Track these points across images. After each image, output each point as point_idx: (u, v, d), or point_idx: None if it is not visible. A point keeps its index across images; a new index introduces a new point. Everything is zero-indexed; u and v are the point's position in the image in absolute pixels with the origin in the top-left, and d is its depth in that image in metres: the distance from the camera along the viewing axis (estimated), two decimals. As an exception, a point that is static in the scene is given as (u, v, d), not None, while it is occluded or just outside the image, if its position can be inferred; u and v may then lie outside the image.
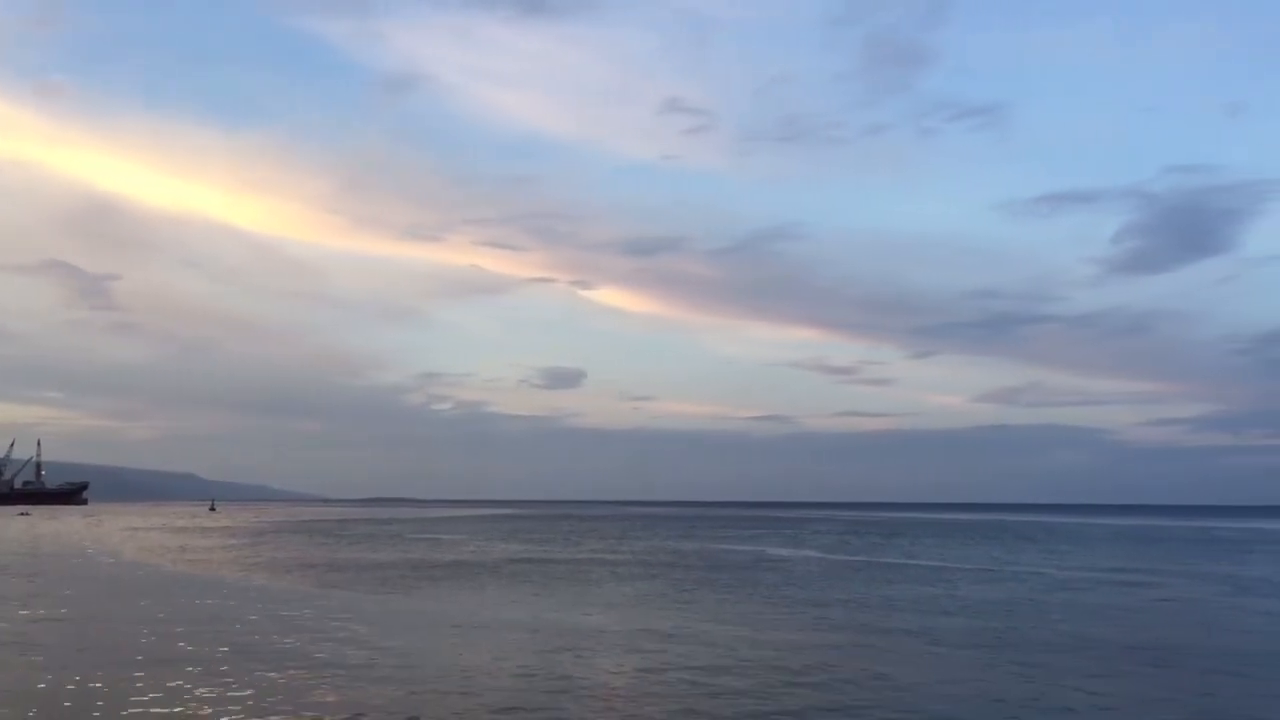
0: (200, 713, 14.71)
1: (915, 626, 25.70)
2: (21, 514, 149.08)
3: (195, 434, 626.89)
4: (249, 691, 16.10)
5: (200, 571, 42.41)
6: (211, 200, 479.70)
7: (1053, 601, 32.55)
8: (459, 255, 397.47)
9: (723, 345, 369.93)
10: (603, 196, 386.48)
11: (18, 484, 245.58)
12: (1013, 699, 16.50)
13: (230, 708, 14.99)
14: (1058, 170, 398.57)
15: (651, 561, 51.91)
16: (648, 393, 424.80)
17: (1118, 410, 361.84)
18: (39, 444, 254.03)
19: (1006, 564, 51.95)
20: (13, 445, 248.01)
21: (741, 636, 23.41)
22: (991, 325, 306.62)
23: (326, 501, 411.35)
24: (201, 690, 16.17)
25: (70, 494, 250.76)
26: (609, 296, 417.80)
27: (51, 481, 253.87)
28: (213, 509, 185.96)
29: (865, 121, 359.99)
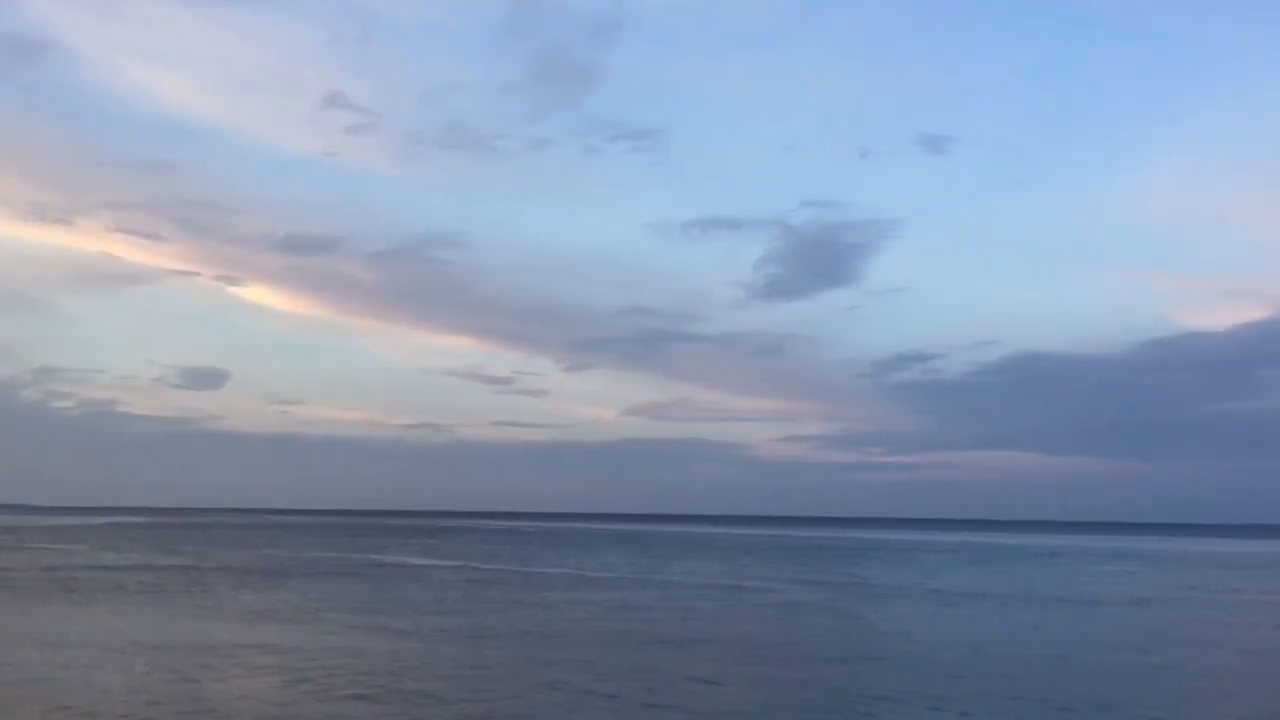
0: None
1: (534, 639, 26.64)
2: None
3: None
4: None
5: None
6: None
7: (672, 607, 34.75)
8: (89, 241, 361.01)
9: (379, 350, 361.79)
10: (255, 189, 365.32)
11: None
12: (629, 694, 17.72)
13: None
14: (708, 197, 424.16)
15: (287, 571, 50.18)
16: (297, 396, 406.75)
17: (755, 427, 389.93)
18: None
19: (642, 572, 54.76)
20: None
21: (364, 648, 23.38)
22: (643, 342, 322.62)
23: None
24: None
25: None
26: (258, 294, 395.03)
27: None
28: None
29: (531, 135, 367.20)
